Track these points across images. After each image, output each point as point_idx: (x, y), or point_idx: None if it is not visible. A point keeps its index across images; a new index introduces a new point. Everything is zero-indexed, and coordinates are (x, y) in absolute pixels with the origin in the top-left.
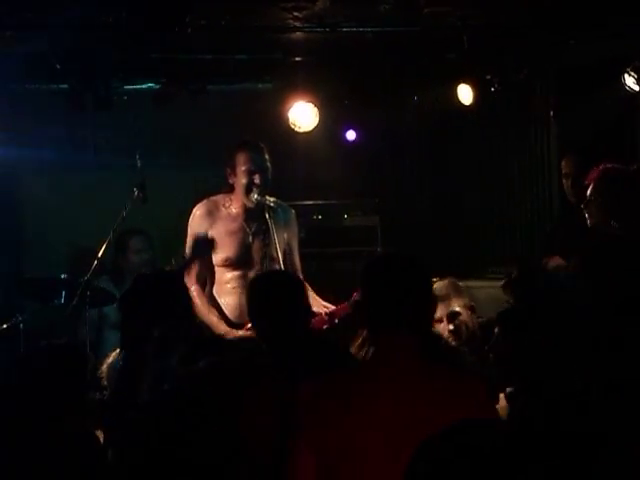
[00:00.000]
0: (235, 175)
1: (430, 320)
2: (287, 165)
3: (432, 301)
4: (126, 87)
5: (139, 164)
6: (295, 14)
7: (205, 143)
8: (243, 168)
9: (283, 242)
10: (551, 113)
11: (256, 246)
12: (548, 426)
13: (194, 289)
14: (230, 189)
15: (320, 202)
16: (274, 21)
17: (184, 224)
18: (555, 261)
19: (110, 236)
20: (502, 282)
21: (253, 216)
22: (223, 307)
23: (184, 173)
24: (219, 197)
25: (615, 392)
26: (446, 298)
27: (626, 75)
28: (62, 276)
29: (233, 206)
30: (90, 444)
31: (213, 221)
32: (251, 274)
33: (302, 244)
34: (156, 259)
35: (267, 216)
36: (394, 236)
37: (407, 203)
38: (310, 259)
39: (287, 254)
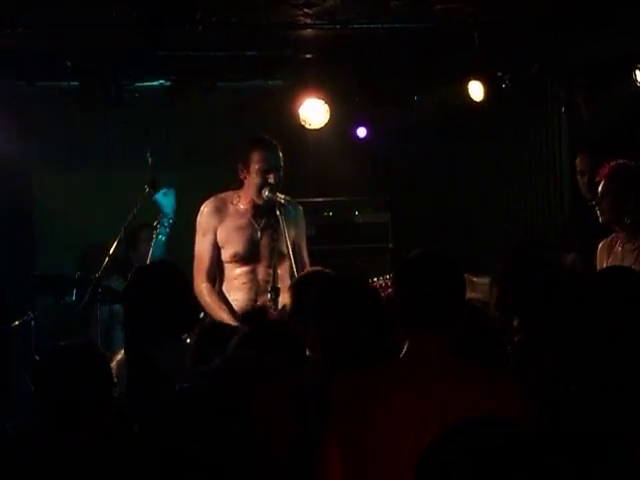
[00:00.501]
0: (248, 172)
1: (459, 318)
2: (298, 162)
3: (465, 300)
4: (137, 85)
5: (150, 161)
6: (306, 11)
7: (215, 140)
8: (257, 167)
9: (291, 238)
10: (562, 110)
11: (264, 242)
12: (551, 426)
13: (205, 287)
14: (239, 185)
15: (331, 199)
16: (285, 18)
17: (194, 221)
18: (573, 259)
19: (121, 233)
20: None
21: (262, 212)
22: (233, 304)
23: (195, 170)
24: (227, 194)
25: (616, 391)
26: None
27: (637, 71)
28: (76, 275)
29: (241, 202)
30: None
31: (222, 217)
32: (260, 269)
33: (313, 241)
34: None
35: (278, 213)
36: (405, 233)
37: (418, 200)
38: (321, 256)
39: (296, 251)
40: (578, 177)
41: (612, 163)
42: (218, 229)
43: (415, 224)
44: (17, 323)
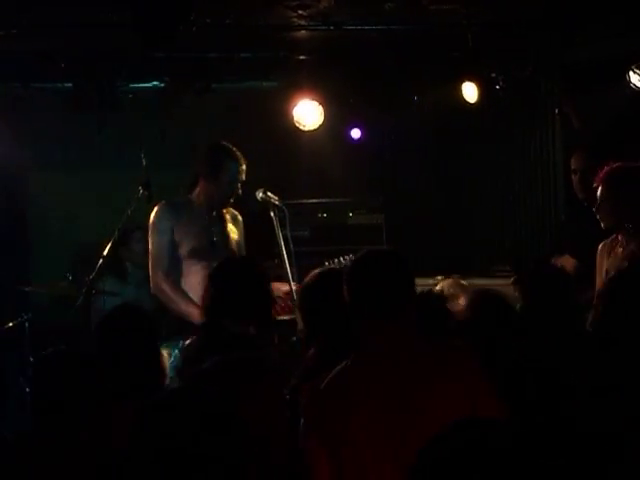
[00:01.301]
0: (214, 179)
1: (412, 306)
2: (292, 163)
3: (414, 289)
4: (131, 86)
5: (143, 163)
6: (300, 12)
7: (210, 142)
8: (228, 178)
9: (237, 242)
10: (556, 111)
11: (220, 241)
12: (553, 425)
13: (166, 284)
14: (193, 188)
15: (325, 200)
16: (279, 19)
17: None
18: (566, 261)
19: (115, 235)
20: (512, 279)
21: (216, 215)
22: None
23: (188, 172)
24: (180, 199)
25: (626, 392)
26: (453, 297)
27: (631, 73)
28: (68, 276)
29: (197, 204)
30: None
31: (178, 217)
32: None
33: (307, 242)
34: None
35: (272, 214)
36: (399, 234)
37: (412, 201)
38: (314, 257)
39: (241, 253)
40: (572, 176)
41: (607, 167)
42: (175, 228)
43: (409, 225)
44: (11, 324)
